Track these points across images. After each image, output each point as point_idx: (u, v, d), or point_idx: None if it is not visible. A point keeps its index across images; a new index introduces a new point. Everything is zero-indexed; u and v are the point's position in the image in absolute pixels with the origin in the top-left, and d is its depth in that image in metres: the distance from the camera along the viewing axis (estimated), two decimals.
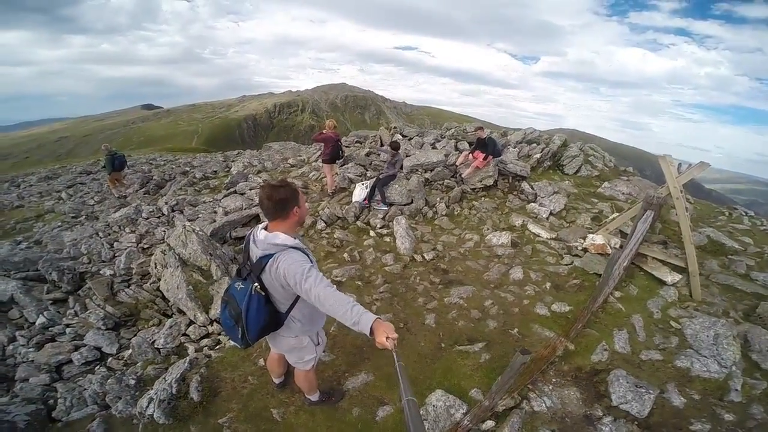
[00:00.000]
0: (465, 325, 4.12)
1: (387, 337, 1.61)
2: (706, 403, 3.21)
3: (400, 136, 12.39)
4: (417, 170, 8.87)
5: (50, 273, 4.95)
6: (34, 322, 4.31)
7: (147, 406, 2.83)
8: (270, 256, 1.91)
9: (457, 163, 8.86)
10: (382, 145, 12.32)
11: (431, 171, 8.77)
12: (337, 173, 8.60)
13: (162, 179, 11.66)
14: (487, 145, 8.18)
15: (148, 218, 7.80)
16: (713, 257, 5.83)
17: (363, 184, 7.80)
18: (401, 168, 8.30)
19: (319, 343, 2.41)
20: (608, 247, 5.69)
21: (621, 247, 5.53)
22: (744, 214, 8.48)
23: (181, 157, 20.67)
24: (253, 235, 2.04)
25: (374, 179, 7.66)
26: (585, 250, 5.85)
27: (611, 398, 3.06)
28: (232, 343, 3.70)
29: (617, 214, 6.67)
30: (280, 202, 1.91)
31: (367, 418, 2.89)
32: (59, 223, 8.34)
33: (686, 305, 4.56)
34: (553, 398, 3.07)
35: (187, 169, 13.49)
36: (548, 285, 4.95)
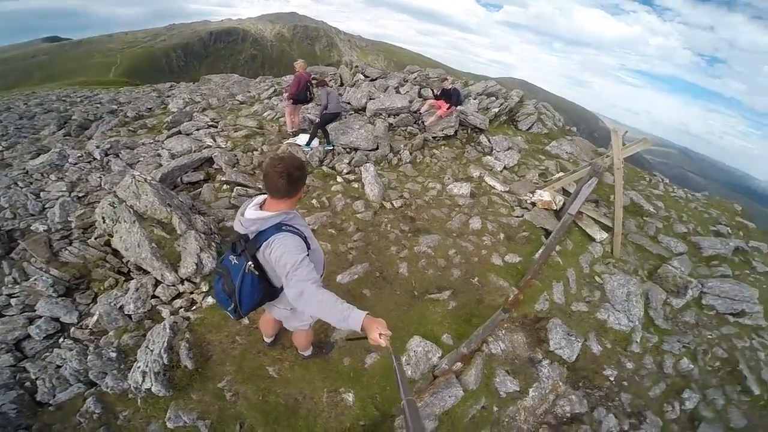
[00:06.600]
0: (433, 273, 4.48)
1: (380, 334, 1.53)
2: (615, 352, 4.02)
3: (362, 77, 11.82)
4: (381, 114, 8.69)
5: None
6: None
7: (142, 381, 2.77)
8: (265, 234, 1.86)
9: (421, 111, 8.85)
10: (342, 84, 11.65)
11: (395, 116, 8.66)
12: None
13: (85, 119, 9.99)
14: (452, 95, 8.22)
15: (76, 164, 6.84)
16: (632, 217, 6.78)
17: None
18: (344, 105, 7.92)
19: None
20: (553, 204, 6.32)
21: (564, 204, 6.17)
22: (661, 180, 9.81)
23: (101, 92, 17.64)
24: (241, 213, 1.96)
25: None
26: (533, 204, 6.44)
27: (549, 344, 3.69)
28: (209, 301, 3.67)
29: (562, 173, 7.32)
30: (296, 181, 1.86)
31: (357, 366, 3.19)
32: None
33: (608, 261, 5.34)
34: (506, 342, 3.61)
35: (115, 106, 11.67)
36: (502, 236, 5.44)
